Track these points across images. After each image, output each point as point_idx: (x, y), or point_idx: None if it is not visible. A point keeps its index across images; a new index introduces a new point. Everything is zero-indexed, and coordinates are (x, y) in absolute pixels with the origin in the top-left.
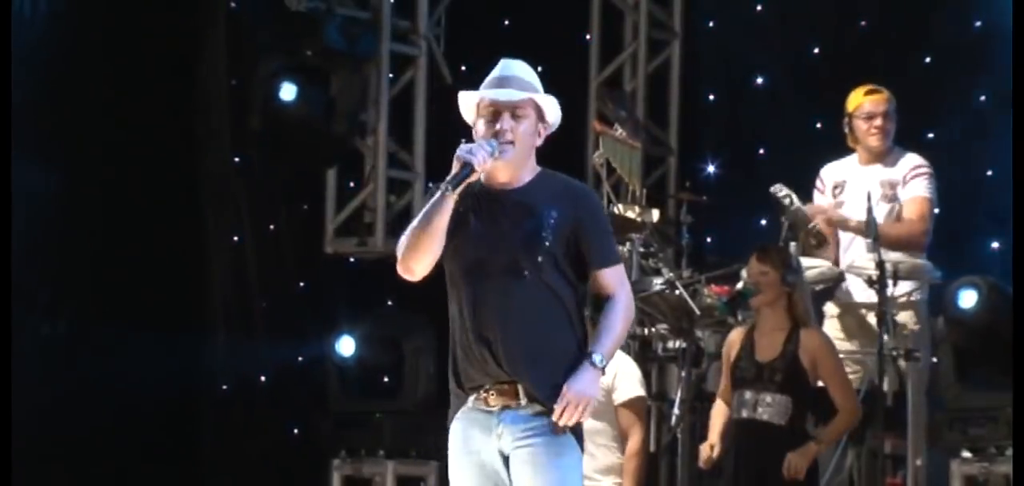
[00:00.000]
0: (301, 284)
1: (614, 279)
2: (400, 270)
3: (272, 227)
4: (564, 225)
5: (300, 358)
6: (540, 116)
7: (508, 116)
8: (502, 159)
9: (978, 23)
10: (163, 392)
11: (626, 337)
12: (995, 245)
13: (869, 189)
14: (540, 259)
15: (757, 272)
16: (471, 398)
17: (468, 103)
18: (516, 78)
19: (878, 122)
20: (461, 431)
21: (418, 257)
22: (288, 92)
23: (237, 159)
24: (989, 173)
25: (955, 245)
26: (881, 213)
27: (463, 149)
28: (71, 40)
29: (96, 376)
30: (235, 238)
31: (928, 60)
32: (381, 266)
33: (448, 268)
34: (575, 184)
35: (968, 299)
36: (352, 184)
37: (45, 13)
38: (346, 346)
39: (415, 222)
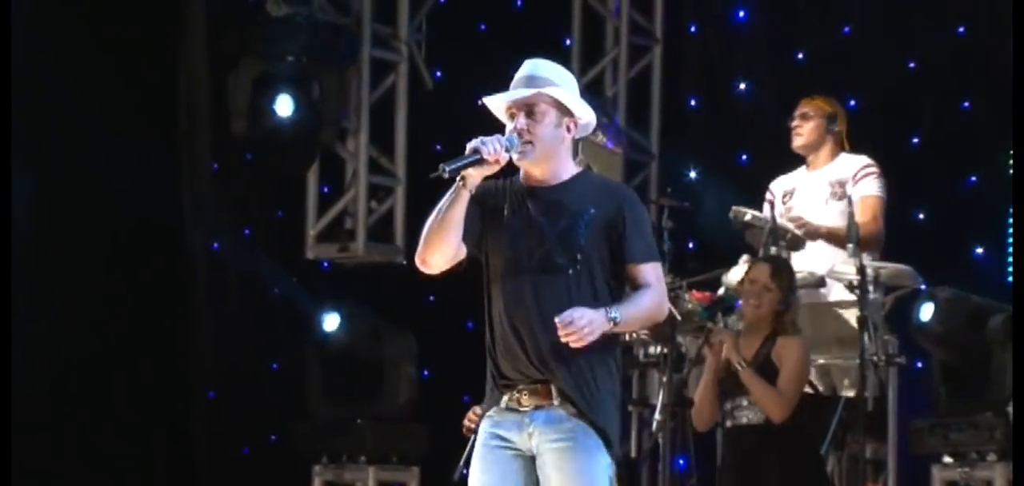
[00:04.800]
0: (280, 289)
1: (651, 275)
2: (417, 262)
3: (250, 233)
4: (601, 223)
5: (274, 365)
6: (566, 112)
7: (523, 116)
8: (524, 159)
9: (961, 29)
10: (146, 398)
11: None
12: (979, 251)
13: (817, 191)
14: (576, 257)
15: (763, 284)
16: (504, 397)
17: (494, 106)
18: (534, 77)
19: (795, 121)
20: (492, 425)
21: (431, 249)
22: (285, 106)
23: (215, 165)
24: (973, 179)
25: (939, 251)
26: (833, 211)
27: (478, 139)
28: (48, 42)
29: (76, 382)
30: (214, 244)
31: (912, 66)
32: (362, 272)
33: (485, 265)
34: (614, 183)
35: (925, 312)
36: (327, 189)
37: (23, 14)
38: (331, 323)
39: (433, 213)
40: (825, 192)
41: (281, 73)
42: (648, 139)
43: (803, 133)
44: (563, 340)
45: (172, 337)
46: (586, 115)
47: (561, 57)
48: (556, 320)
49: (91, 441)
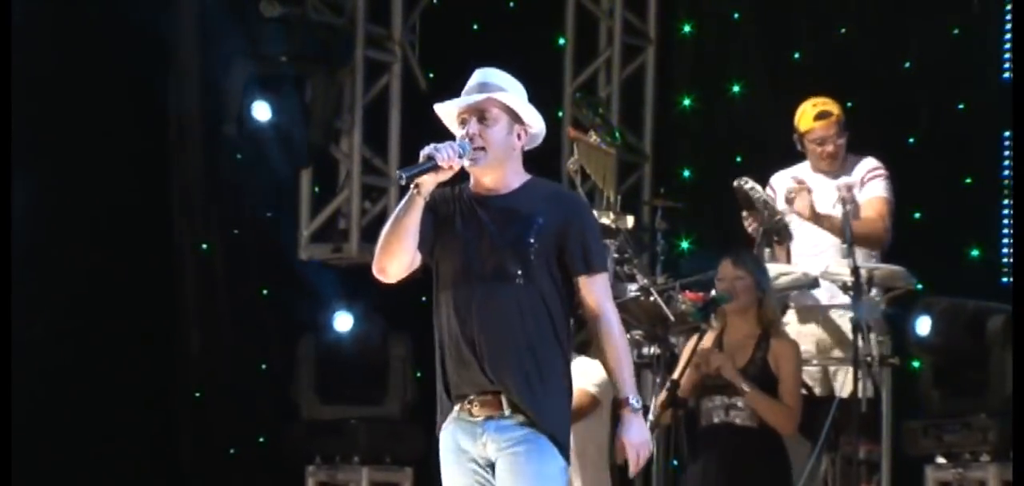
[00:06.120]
0: (276, 289)
1: (598, 289)
2: (375, 271)
3: (243, 233)
4: (550, 231)
5: (264, 365)
6: (517, 119)
7: (474, 121)
8: (476, 165)
9: (956, 31)
10: (137, 400)
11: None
12: (974, 252)
13: (824, 194)
14: (526, 265)
15: (732, 276)
16: (456, 407)
17: (445, 114)
18: (484, 84)
19: (830, 148)
20: (451, 437)
21: (388, 257)
22: (262, 111)
23: (207, 166)
24: (968, 180)
25: (934, 253)
26: (840, 214)
27: (431, 145)
28: (40, 44)
29: (67, 383)
30: (203, 246)
31: (907, 66)
32: (355, 272)
33: (436, 273)
34: (564, 191)
35: (923, 326)
36: (317, 190)
37: (17, 17)
38: (343, 322)
39: (388, 222)
40: (833, 196)
41: (274, 74)
42: (641, 140)
43: (842, 148)
44: (635, 474)
45: (164, 338)
46: (536, 124)
47: (554, 58)
48: (630, 470)
49: (88, 441)
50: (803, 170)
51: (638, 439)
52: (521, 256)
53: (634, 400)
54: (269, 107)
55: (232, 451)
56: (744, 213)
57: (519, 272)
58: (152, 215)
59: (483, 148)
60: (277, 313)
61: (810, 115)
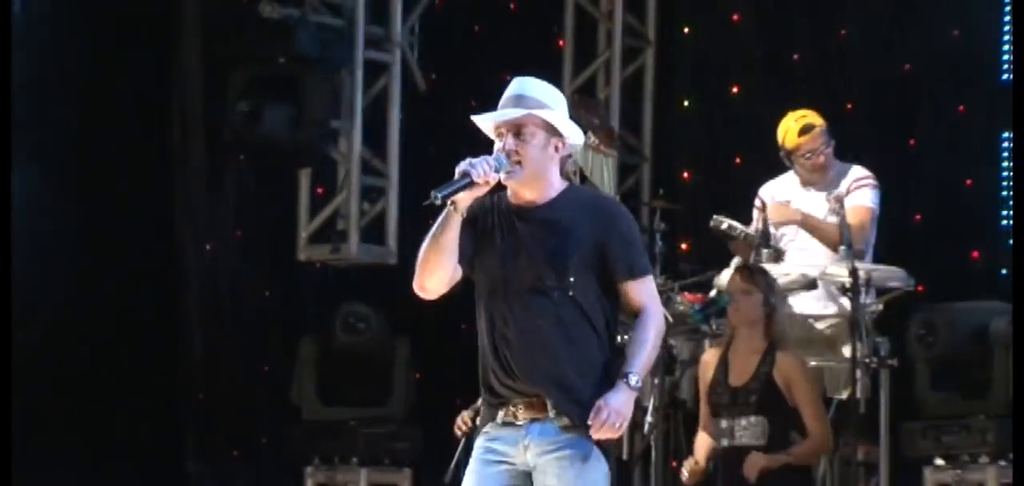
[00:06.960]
0: (276, 291)
1: (643, 292)
2: (416, 288)
3: (245, 234)
4: (590, 240)
5: (266, 367)
6: (554, 132)
7: (511, 136)
8: (512, 179)
9: (956, 32)
10: (139, 401)
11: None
12: (974, 254)
13: (815, 206)
14: (567, 275)
15: (740, 291)
16: (500, 413)
17: (483, 125)
18: (522, 97)
19: (819, 159)
20: (488, 440)
21: (429, 274)
22: (276, 110)
23: (208, 168)
24: (968, 182)
25: (934, 255)
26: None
27: (466, 161)
28: (43, 46)
29: (69, 384)
30: (207, 247)
31: (907, 67)
32: (354, 273)
33: (476, 284)
34: (602, 198)
35: (926, 339)
36: (321, 191)
37: (19, 19)
38: (351, 323)
39: (426, 239)
40: (823, 209)
41: (274, 75)
42: (640, 141)
43: (829, 157)
44: (597, 436)
45: (165, 339)
46: (574, 136)
47: (553, 59)
48: (588, 422)
49: (90, 443)
50: (791, 181)
51: (616, 404)
52: (559, 268)
53: (634, 378)
54: (269, 108)
55: (235, 452)
56: (728, 244)
57: (557, 284)
58: (154, 216)
59: (519, 163)
60: (279, 314)
61: (794, 131)
